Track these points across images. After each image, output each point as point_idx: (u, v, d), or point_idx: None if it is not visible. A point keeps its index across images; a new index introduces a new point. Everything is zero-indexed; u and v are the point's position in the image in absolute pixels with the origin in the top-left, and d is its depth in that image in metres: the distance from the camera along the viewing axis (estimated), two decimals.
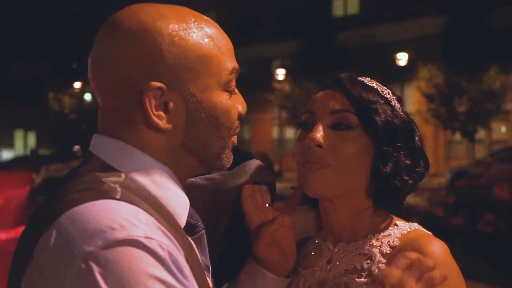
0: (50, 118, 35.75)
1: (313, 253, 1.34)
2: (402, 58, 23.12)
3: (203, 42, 1.03)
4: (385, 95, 1.28)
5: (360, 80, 1.30)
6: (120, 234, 0.86)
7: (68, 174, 1.04)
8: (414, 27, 26.04)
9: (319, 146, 1.23)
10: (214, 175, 1.29)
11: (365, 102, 1.25)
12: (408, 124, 1.28)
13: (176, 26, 1.01)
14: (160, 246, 0.88)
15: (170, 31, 1.01)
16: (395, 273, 1.06)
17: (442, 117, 21.25)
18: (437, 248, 1.17)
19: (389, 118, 1.25)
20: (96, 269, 0.84)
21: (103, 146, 1.03)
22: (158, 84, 0.99)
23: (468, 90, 20.45)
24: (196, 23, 1.04)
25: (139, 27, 1.00)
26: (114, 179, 0.97)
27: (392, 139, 1.25)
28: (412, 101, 24.56)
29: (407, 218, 1.32)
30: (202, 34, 1.04)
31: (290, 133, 29.65)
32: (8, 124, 38.31)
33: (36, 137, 40.18)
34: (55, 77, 36.83)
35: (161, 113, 1.01)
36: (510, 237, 6.65)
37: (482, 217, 7.00)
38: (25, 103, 37.95)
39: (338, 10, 30.02)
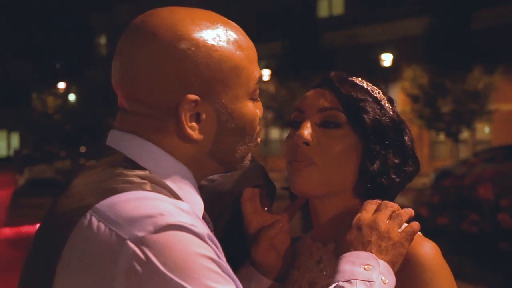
0: (34, 119, 35.53)
1: (302, 253, 1.33)
2: (386, 59, 23.21)
3: (236, 53, 1.04)
4: (375, 94, 1.28)
5: (349, 79, 1.30)
6: (169, 219, 0.89)
7: (86, 167, 1.04)
8: (398, 28, 26.17)
9: (306, 143, 1.23)
10: (215, 177, 1.28)
11: (354, 100, 1.25)
12: (397, 124, 1.28)
13: (211, 37, 1.02)
14: (204, 231, 0.92)
15: (205, 42, 1.01)
16: (367, 216, 1.17)
17: (427, 117, 21.37)
18: (428, 248, 1.18)
19: (378, 117, 1.25)
20: (150, 253, 0.86)
21: (125, 142, 1.04)
22: (194, 97, 1.00)
23: (452, 90, 20.57)
24: (228, 33, 1.05)
25: (176, 39, 1.00)
26: (141, 173, 0.99)
27: (380, 138, 1.24)
28: (397, 101, 24.61)
29: None
30: (234, 44, 1.05)
31: (275, 133, 29.66)
32: None
33: (20, 138, 39.88)
34: (38, 78, 36.59)
35: (194, 124, 1.02)
36: (495, 237, 6.69)
37: (466, 217, 7.04)
38: (8, 104, 37.66)
39: (323, 10, 30.11)
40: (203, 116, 1.02)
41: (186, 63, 1.00)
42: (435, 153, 25.54)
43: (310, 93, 1.30)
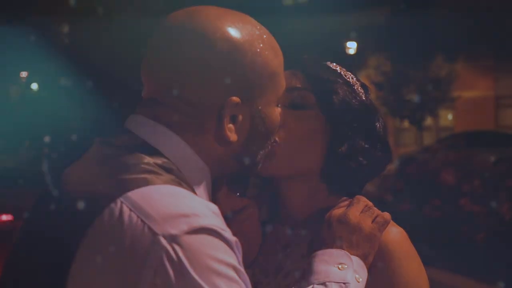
0: None
1: (269, 237, 1.32)
2: (351, 47, 23.32)
3: (274, 59, 1.07)
4: (347, 79, 1.28)
5: (323, 63, 1.30)
6: (203, 222, 0.89)
7: (99, 147, 1.02)
8: (362, 17, 26.27)
9: None
10: None
11: (324, 81, 1.25)
12: (368, 108, 1.27)
13: (257, 42, 1.05)
14: (232, 237, 0.94)
15: (254, 49, 1.04)
16: (338, 211, 1.18)
17: (391, 105, 21.53)
18: (395, 235, 1.19)
19: (347, 99, 1.24)
20: (182, 254, 0.87)
21: (150, 129, 1.02)
22: (237, 99, 1.02)
23: (416, 78, 20.75)
24: (268, 39, 1.07)
25: (228, 43, 1.02)
26: (167, 165, 0.99)
27: (349, 120, 1.24)
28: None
29: None
30: (272, 50, 1.08)
31: None
32: None
33: None
34: None
35: (231, 125, 1.03)
36: (457, 221, 6.81)
37: (429, 202, 7.15)
38: None
39: None
40: (240, 118, 1.03)
41: (235, 67, 1.02)
42: (399, 140, 25.75)
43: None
